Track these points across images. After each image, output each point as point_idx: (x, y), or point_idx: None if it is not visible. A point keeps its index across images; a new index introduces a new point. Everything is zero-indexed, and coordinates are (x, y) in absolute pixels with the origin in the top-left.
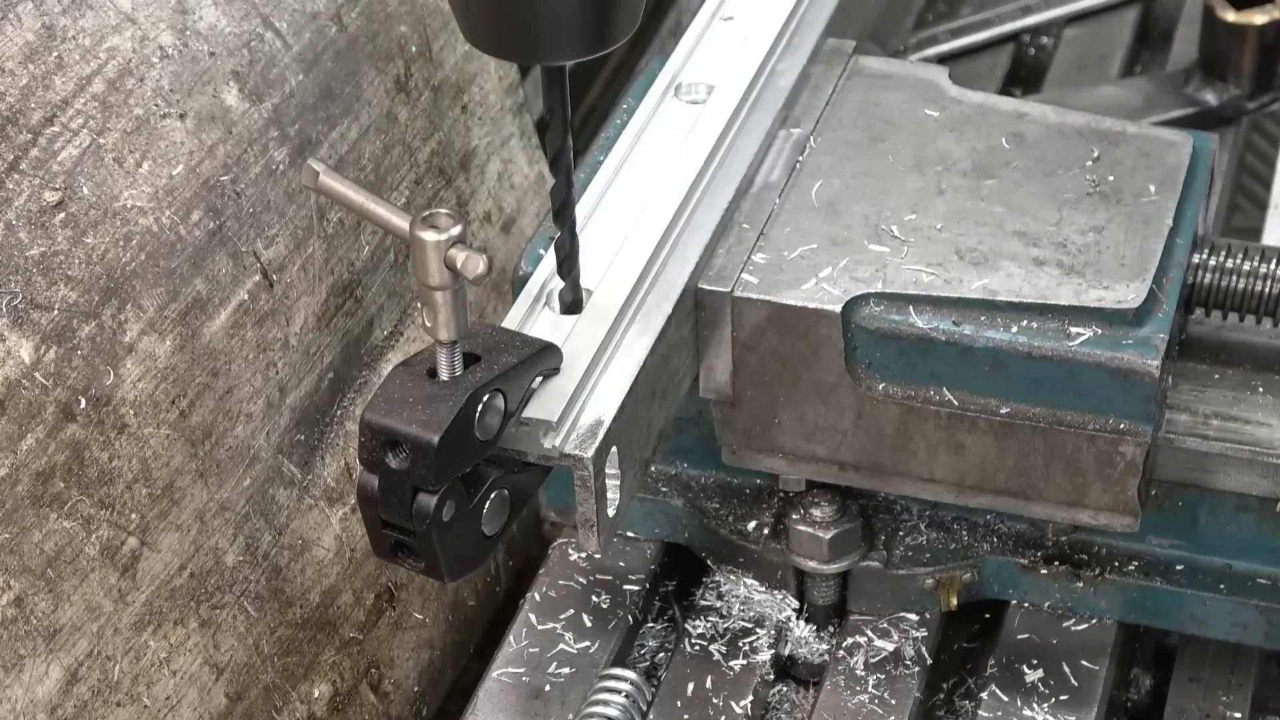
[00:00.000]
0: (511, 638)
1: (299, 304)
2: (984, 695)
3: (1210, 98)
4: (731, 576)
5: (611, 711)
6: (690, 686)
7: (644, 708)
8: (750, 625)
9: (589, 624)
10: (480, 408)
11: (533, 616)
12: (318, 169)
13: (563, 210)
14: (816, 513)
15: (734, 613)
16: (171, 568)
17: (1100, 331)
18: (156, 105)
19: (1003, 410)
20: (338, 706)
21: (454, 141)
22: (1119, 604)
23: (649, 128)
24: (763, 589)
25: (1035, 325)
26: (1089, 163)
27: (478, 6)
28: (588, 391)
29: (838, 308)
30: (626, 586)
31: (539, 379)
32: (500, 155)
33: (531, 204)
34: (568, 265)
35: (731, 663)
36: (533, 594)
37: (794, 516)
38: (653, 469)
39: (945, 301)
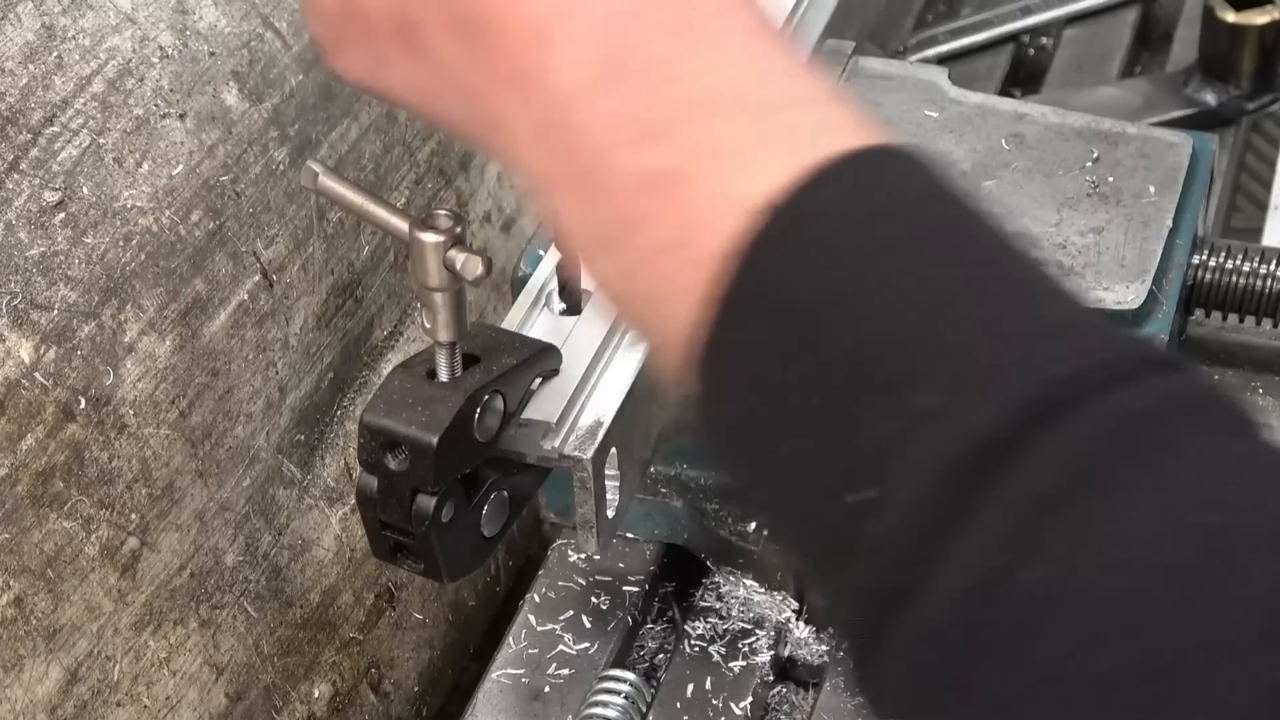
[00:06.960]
0: (511, 639)
1: (299, 304)
2: None
3: (1210, 98)
4: (731, 577)
5: (611, 713)
6: (690, 688)
7: (643, 709)
8: (750, 626)
9: (588, 625)
10: (479, 409)
11: (532, 618)
12: (317, 169)
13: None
14: None
15: (734, 614)
16: (171, 568)
17: None
18: (156, 105)
19: None
20: (338, 707)
21: (454, 141)
22: None
23: None
24: (762, 590)
25: None
26: (1089, 163)
27: None
28: (587, 393)
29: None
30: (626, 588)
31: (538, 380)
32: None
33: (531, 204)
34: (570, 288)
35: (731, 664)
36: (532, 595)
37: None
38: (652, 470)
39: None
